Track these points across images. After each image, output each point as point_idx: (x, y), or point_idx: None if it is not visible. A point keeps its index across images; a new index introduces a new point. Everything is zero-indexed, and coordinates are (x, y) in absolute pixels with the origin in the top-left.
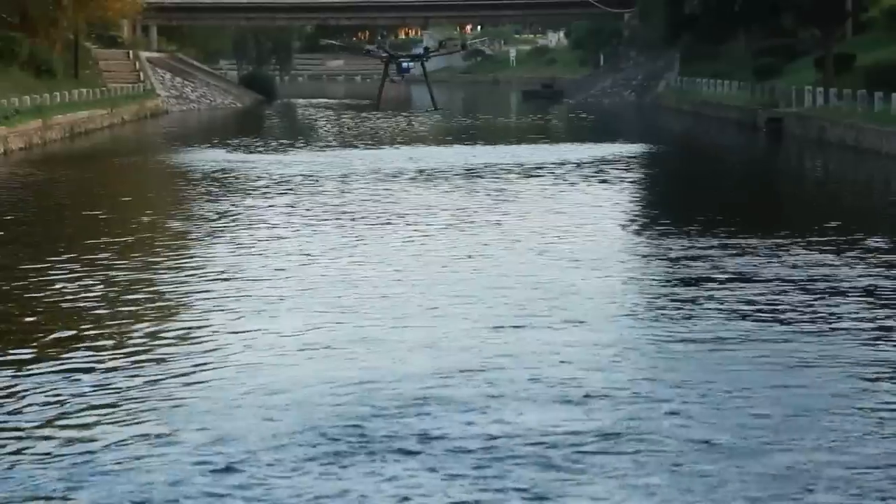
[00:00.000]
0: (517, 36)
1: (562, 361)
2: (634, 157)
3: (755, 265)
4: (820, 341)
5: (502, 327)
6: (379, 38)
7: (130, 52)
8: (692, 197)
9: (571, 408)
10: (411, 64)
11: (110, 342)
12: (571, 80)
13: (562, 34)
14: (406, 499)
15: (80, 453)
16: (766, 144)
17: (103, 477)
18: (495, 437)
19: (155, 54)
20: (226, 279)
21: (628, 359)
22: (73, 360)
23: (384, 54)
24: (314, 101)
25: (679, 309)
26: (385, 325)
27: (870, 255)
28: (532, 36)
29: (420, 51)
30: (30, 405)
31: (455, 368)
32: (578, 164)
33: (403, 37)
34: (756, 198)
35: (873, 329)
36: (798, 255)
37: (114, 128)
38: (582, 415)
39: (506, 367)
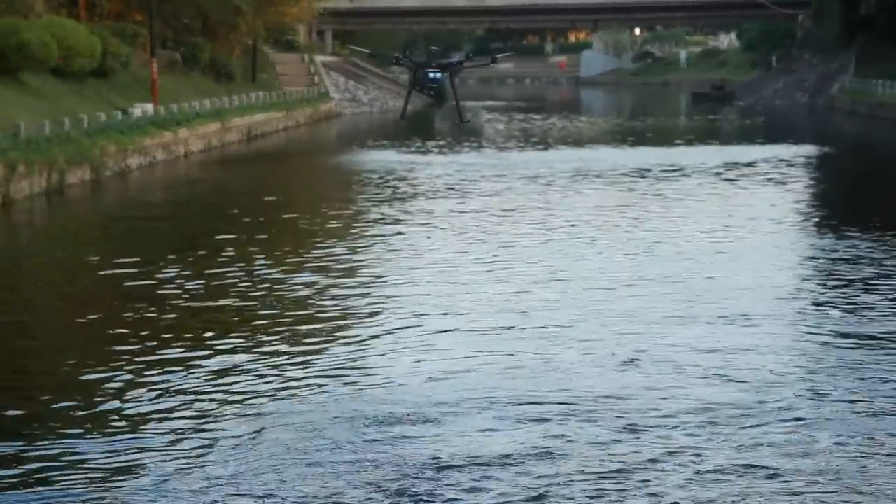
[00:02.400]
0: (688, 38)
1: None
2: (806, 159)
3: None
4: None
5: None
6: (407, 51)
7: (306, 55)
8: (865, 199)
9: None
10: (439, 75)
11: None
12: (742, 82)
13: (733, 36)
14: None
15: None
16: None
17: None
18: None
19: (329, 58)
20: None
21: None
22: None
23: (411, 64)
24: (484, 103)
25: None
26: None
27: None
28: (703, 37)
29: (454, 60)
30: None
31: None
32: (749, 165)
33: (573, 40)
34: None
35: None
36: None
37: (289, 130)
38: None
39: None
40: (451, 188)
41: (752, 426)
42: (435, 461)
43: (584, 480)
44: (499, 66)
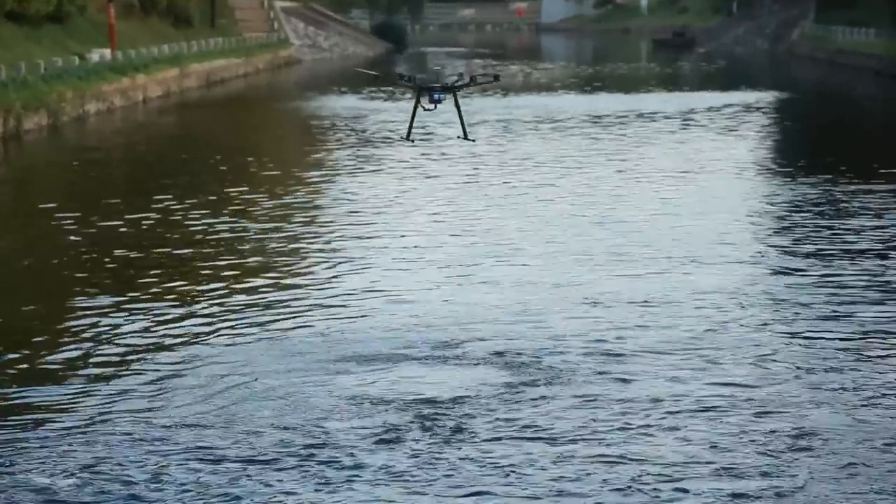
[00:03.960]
0: None
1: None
2: (766, 106)
3: (881, 209)
4: None
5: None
6: (408, 75)
7: (265, 1)
8: (823, 144)
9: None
10: (444, 95)
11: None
12: (703, 29)
13: None
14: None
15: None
16: None
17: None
18: None
19: (289, 3)
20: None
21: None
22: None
23: (412, 84)
24: (444, 49)
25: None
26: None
27: None
28: None
29: (452, 81)
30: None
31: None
32: (709, 112)
33: None
34: (888, 146)
35: None
36: None
37: (248, 76)
38: None
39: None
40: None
41: (710, 360)
42: (411, 396)
43: (562, 409)
44: (461, 12)
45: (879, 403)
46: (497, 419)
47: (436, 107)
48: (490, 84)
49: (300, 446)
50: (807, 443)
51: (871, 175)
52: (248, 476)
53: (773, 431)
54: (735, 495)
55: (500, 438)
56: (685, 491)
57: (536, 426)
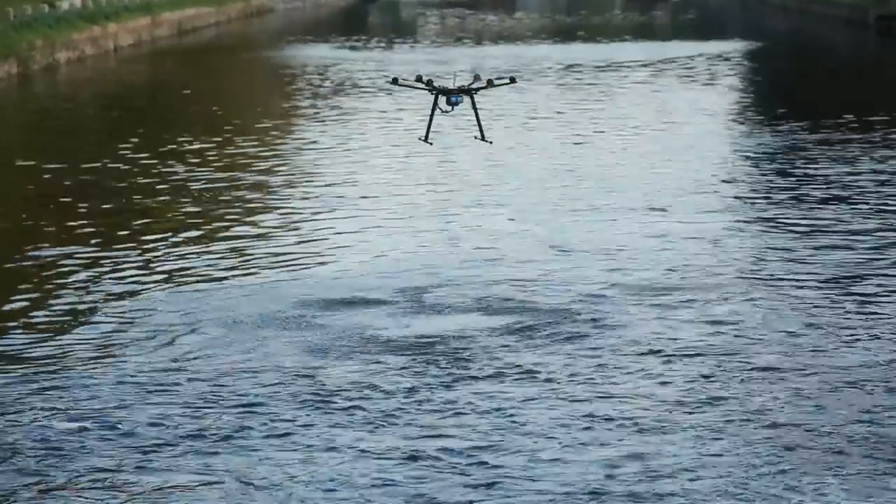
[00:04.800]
0: None
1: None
2: (738, 55)
3: (850, 160)
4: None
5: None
6: (427, 79)
7: None
8: (795, 93)
9: None
10: (461, 98)
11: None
12: None
13: None
14: None
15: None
16: (875, 42)
17: None
18: None
19: None
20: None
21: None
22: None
23: (427, 87)
24: None
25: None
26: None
27: None
28: None
29: (475, 85)
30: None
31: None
32: (682, 61)
33: None
34: (858, 94)
35: None
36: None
37: (220, 25)
38: None
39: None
40: (384, 89)
41: (684, 303)
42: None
43: (543, 351)
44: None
45: (854, 343)
46: (483, 361)
47: (452, 108)
48: (506, 85)
49: (290, 387)
50: (780, 376)
51: (841, 124)
52: (233, 415)
53: (752, 368)
54: (715, 429)
55: (492, 377)
56: (669, 423)
57: (520, 366)
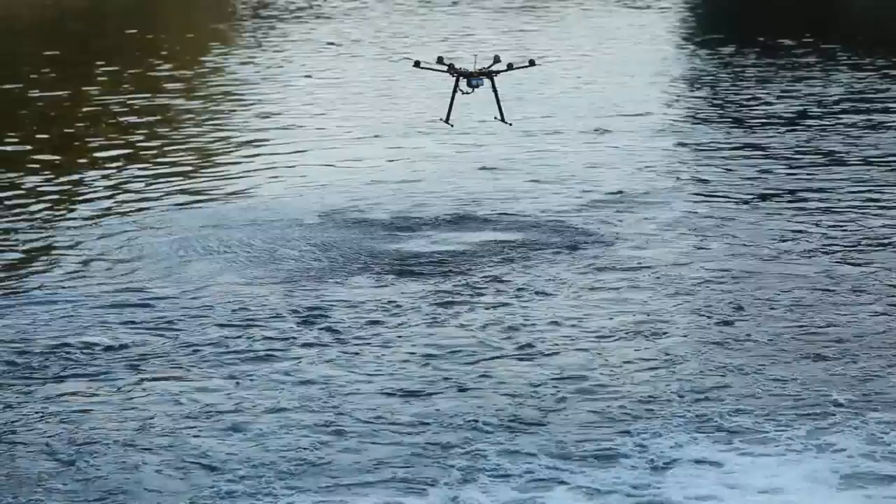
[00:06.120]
0: None
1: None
2: None
3: (797, 77)
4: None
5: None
6: (449, 62)
7: None
8: (737, 17)
9: None
10: (482, 80)
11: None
12: None
13: None
14: None
15: None
16: None
17: None
18: None
19: None
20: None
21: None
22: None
23: (448, 70)
24: None
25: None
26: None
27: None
28: None
29: (495, 68)
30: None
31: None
32: None
33: None
34: (800, 17)
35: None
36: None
37: None
38: None
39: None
40: (304, 7)
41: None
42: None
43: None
44: None
45: (782, 244)
46: (459, 280)
47: (473, 90)
48: (525, 67)
49: (281, 308)
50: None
51: (782, 46)
52: (194, 328)
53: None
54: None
55: (480, 293)
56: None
57: (501, 280)
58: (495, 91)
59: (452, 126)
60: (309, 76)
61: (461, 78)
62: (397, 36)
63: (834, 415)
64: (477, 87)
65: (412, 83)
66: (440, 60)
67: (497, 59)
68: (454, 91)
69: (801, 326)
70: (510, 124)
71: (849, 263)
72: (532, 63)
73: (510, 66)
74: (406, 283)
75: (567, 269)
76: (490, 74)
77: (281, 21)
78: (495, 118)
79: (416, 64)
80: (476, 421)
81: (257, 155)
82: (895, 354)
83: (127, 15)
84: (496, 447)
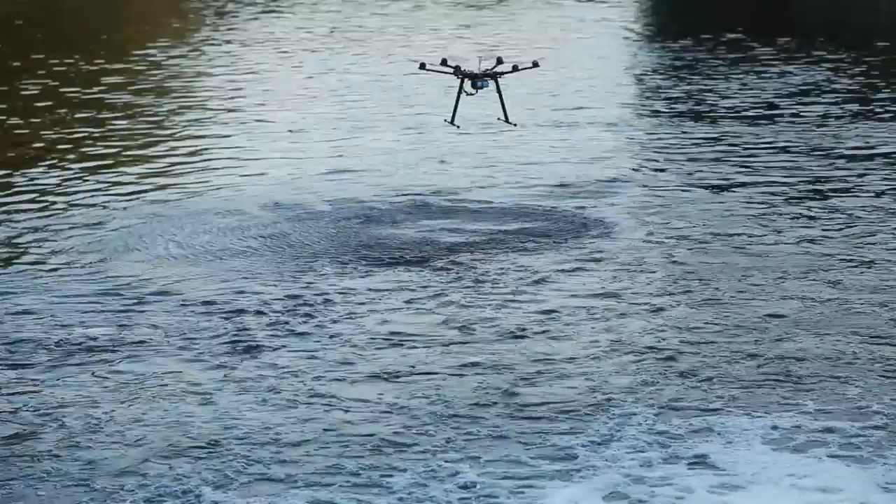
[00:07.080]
0: None
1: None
2: None
3: (757, 70)
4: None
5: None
6: (454, 64)
7: None
8: (692, 9)
9: None
10: (486, 82)
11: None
12: None
13: None
14: None
15: None
16: None
17: None
18: None
19: None
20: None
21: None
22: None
23: (453, 72)
24: None
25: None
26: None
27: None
28: None
29: (500, 70)
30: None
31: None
32: None
33: None
34: (759, 10)
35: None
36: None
37: None
38: None
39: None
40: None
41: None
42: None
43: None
44: None
45: (744, 221)
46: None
47: (477, 92)
48: (529, 69)
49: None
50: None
51: (738, 39)
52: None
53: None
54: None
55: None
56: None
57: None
58: (499, 93)
59: (458, 127)
60: (270, 70)
61: (466, 80)
62: (353, 29)
63: (808, 393)
64: (482, 88)
65: (368, 78)
66: (444, 62)
67: (500, 61)
68: (459, 92)
69: (773, 310)
70: (515, 125)
71: (812, 250)
72: (536, 64)
73: (515, 68)
74: (371, 272)
75: (537, 259)
76: (495, 76)
77: (235, 17)
78: (499, 119)
79: (422, 66)
80: (451, 409)
81: (221, 148)
82: (869, 335)
83: (85, 11)
84: (473, 437)
